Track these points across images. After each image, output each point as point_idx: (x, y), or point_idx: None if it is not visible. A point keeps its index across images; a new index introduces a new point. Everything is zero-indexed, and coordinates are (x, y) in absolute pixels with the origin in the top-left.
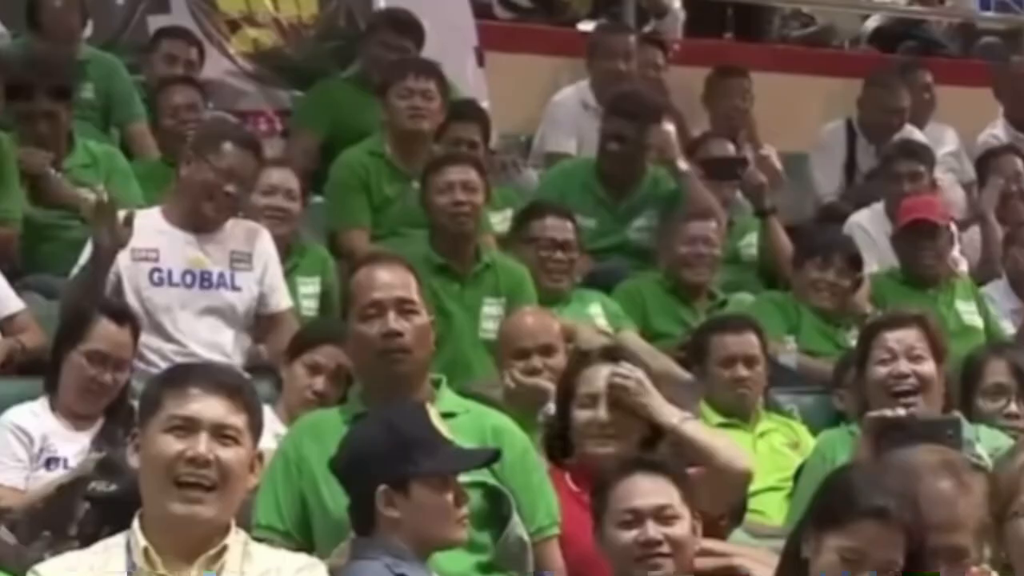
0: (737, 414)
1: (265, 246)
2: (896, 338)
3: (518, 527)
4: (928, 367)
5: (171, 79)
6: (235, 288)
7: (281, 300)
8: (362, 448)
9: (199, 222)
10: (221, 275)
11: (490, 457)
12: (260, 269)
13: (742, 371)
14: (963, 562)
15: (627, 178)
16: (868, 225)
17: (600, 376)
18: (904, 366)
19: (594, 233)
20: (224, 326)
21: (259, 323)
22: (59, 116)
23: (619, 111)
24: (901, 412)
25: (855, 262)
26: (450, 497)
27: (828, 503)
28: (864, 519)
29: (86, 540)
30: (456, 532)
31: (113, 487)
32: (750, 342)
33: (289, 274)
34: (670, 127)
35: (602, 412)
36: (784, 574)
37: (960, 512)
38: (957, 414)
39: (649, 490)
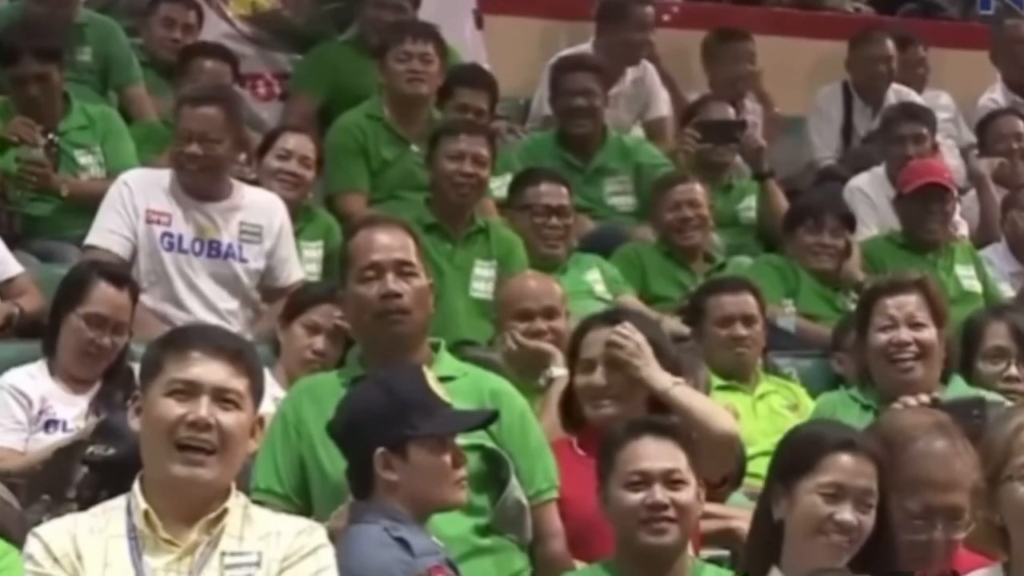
0: (736, 375)
1: (278, 219)
2: (897, 304)
3: (516, 490)
4: (929, 334)
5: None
6: (242, 260)
7: (292, 273)
8: (360, 411)
9: (198, 191)
10: (230, 246)
11: (488, 418)
12: (271, 242)
13: (740, 330)
14: (958, 522)
15: (590, 139)
16: (868, 189)
17: (599, 341)
18: (905, 334)
19: None
20: (228, 295)
21: (268, 295)
22: (50, 78)
23: (583, 67)
24: (925, 399)
25: (847, 221)
26: (447, 459)
27: (795, 453)
28: (835, 452)
29: (84, 503)
30: (454, 494)
31: (111, 451)
32: (747, 302)
33: (294, 238)
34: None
35: (598, 376)
36: (756, 540)
37: (956, 472)
38: (983, 394)
39: (658, 453)
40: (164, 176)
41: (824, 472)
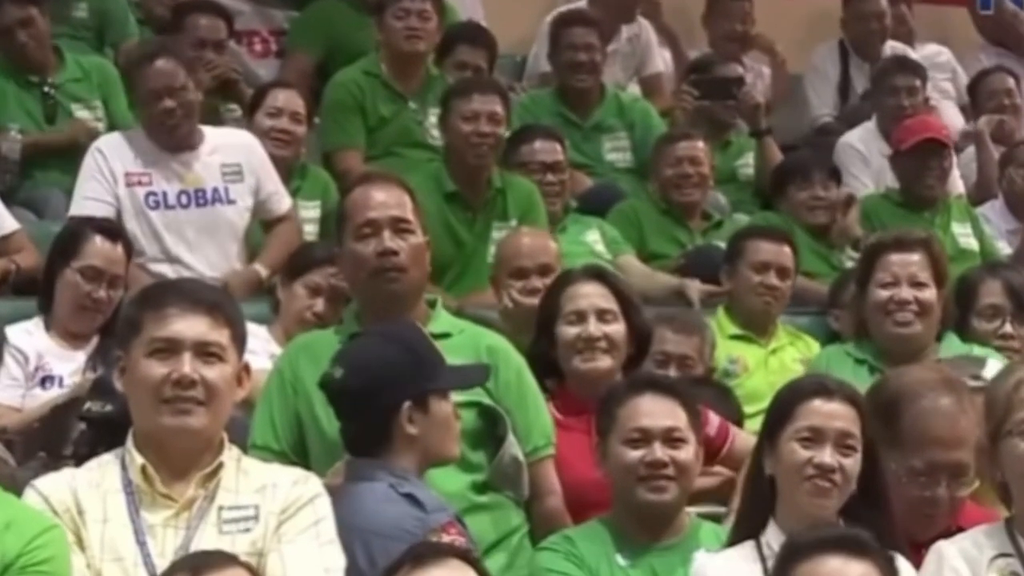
0: (754, 327)
1: (255, 154)
2: (900, 261)
3: (513, 447)
4: (929, 293)
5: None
6: (230, 202)
7: (283, 202)
8: (383, 367)
9: (174, 143)
10: (215, 190)
11: (488, 371)
12: (253, 178)
13: (773, 279)
14: (963, 479)
15: (589, 94)
16: (860, 144)
17: (587, 293)
18: (906, 292)
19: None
20: (225, 242)
21: (265, 229)
22: (34, 22)
23: (583, 21)
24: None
25: (834, 174)
26: (452, 412)
27: (776, 407)
28: (810, 398)
29: (81, 460)
30: (455, 447)
31: (108, 407)
32: (785, 253)
33: (291, 198)
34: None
35: (592, 327)
36: (751, 497)
37: (961, 428)
38: (983, 354)
39: (659, 411)
40: (136, 137)
41: (800, 418)
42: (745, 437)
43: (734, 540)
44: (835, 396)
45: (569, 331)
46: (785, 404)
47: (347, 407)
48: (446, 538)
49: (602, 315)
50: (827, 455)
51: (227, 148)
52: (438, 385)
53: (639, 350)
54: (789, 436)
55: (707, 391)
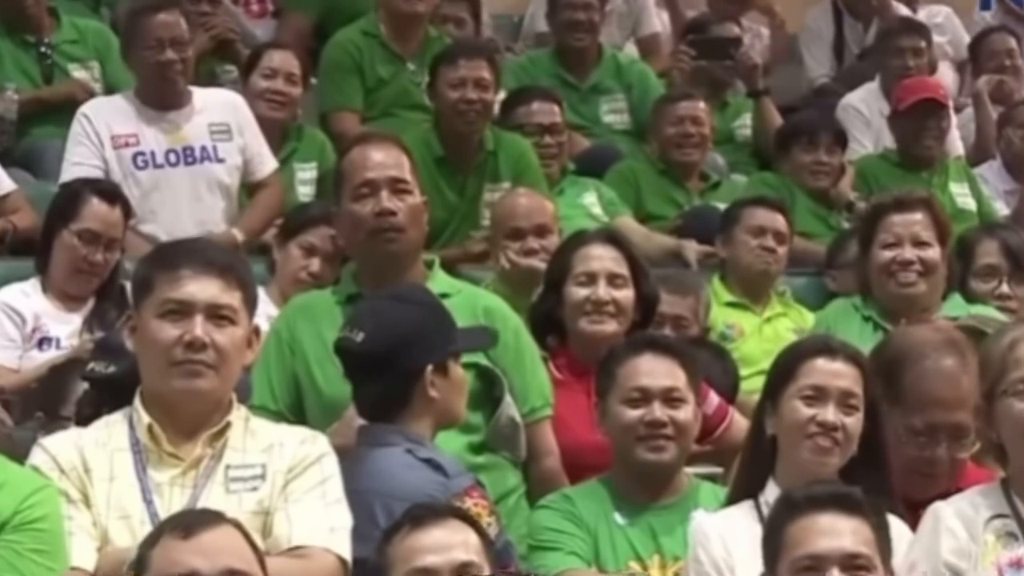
0: (750, 294)
1: (242, 113)
2: (903, 222)
3: (510, 408)
4: (933, 252)
5: None
6: (219, 160)
7: (266, 164)
8: (409, 330)
9: (163, 101)
10: (204, 148)
11: (496, 335)
12: (240, 138)
13: (771, 242)
14: (963, 441)
15: (587, 55)
16: (861, 105)
17: (599, 256)
18: (909, 252)
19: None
20: (215, 200)
21: (249, 191)
22: None
23: None
24: None
25: (841, 139)
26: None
27: (778, 366)
28: (812, 357)
29: (84, 420)
30: (465, 410)
31: (112, 368)
32: (781, 220)
33: (287, 160)
34: None
35: (602, 290)
36: (751, 457)
37: (963, 389)
38: (986, 313)
39: (658, 371)
40: (121, 99)
41: (803, 377)
42: (742, 425)
43: (733, 499)
44: (838, 355)
45: (578, 292)
46: (788, 363)
47: (367, 370)
48: (468, 502)
49: (613, 279)
50: (830, 413)
51: (215, 107)
52: (457, 347)
53: (644, 317)
54: (792, 394)
55: (704, 351)
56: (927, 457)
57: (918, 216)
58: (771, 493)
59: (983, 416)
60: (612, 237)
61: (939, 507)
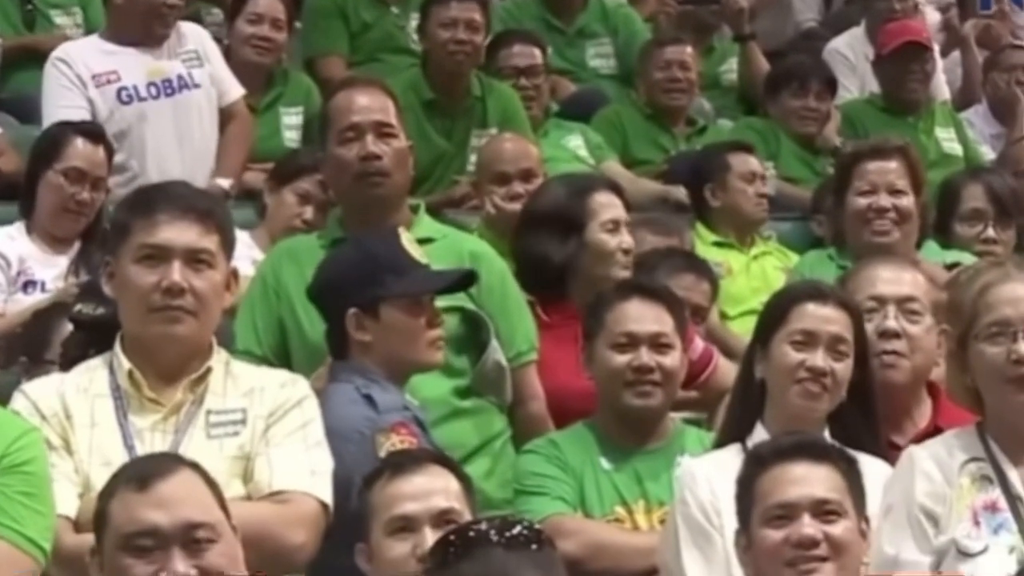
0: (738, 236)
1: (207, 41)
2: (878, 169)
3: (496, 352)
4: (908, 201)
5: None
6: (196, 85)
7: (233, 89)
8: (333, 272)
9: (149, 39)
10: (180, 77)
11: (461, 277)
12: (209, 64)
13: (762, 188)
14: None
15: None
16: (847, 50)
17: (615, 203)
18: (885, 200)
19: (549, 57)
20: (199, 127)
21: (221, 117)
22: None
23: None
24: None
25: (831, 85)
26: (421, 320)
27: (769, 310)
28: (804, 302)
29: (71, 363)
30: (429, 354)
31: (101, 310)
32: (759, 165)
33: (272, 104)
34: None
35: (626, 237)
36: (740, 400)
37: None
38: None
39: (646, 316)
40: (93, 40)
41: (793, 321)
42: (727, 369)
43: (721, 442)
44: (829, 301)
45: (609, 240)
46: (779, 307)
47: (318, 311)
48: (395, 437)
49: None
50: (819, 358)
51: (182, 37)
52: (391, 292)
53: None
54: (782, 339)
55: (680, 260)
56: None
57: (893, 164)
58: (759, 437)
59: (956, 361)
60: (615, 187)
61: (914, 451)
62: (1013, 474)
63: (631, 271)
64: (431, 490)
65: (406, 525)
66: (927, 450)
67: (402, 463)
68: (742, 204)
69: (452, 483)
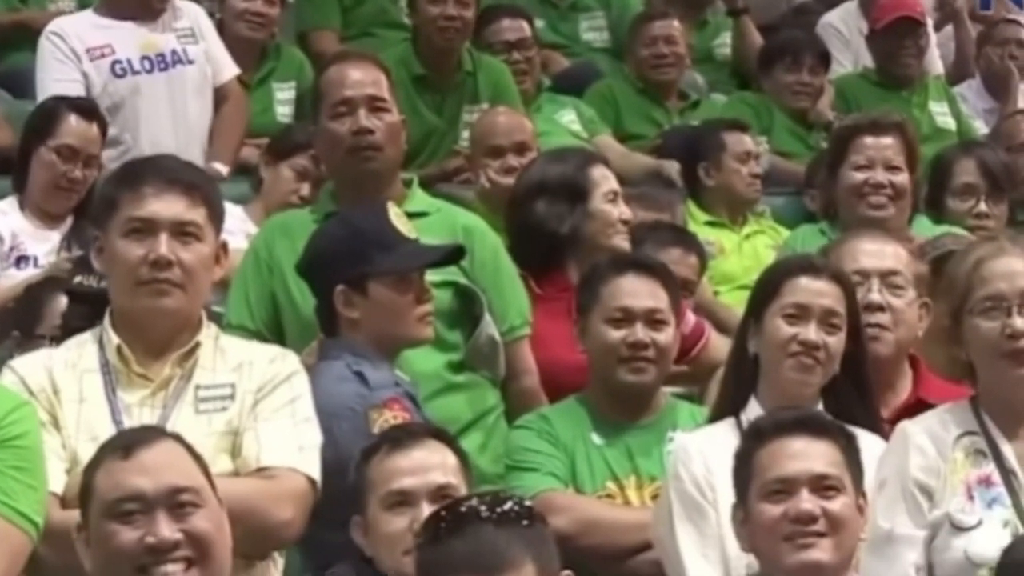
0: (730, 215)
1: (202, 19)
2: (876, 145)
3: (489, 326)
4: (903, 178)
5: None
6: (190, 61)
7: (227, 68)
8: (321, 248)
9: (144, 13)
10: (174, 52)
11: (449, 253)
12: (203, 41)
13: (756, 168)
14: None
15: None
16: (840, 24)
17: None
18: (881, 176)
19: (542, 31)
20: (192, 103)
21: (215, 96)
22: None
23: None
24: None
25: (824, 59)
26: (409, 295)
27: (762, 284)
28: (797, 275)
29: (71, 335)
30: (418, 330)
31: (104, 283)
32: (753, 144)
33: (265, 80)
34: None
35: (623, 208)
36: (733, 375)
37: None
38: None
39: (642, 291)
40: (86, 14)
41: (786, 295)
42: (718, 343)
43: (714, 417)
44: (822, 274)
45: (611, 211)
46: (771, 281)
47: (308, 287)
48: (387, 413)
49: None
50: (811, 332)
51: (177, 12)
52: (378, 268)
53: None
54: (774, 312)
55: (668, 233)
56: None
57: (890, 140)
58: (753, 411)
59: (951, 336)
60: (606, 160)
61: (907, 425)
62: (1007, 448)
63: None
64: (429, 465)
65: (404, 500)
66: (921, 424)
67: (400, 437)
68: (736, 184)
69: (450, 458)
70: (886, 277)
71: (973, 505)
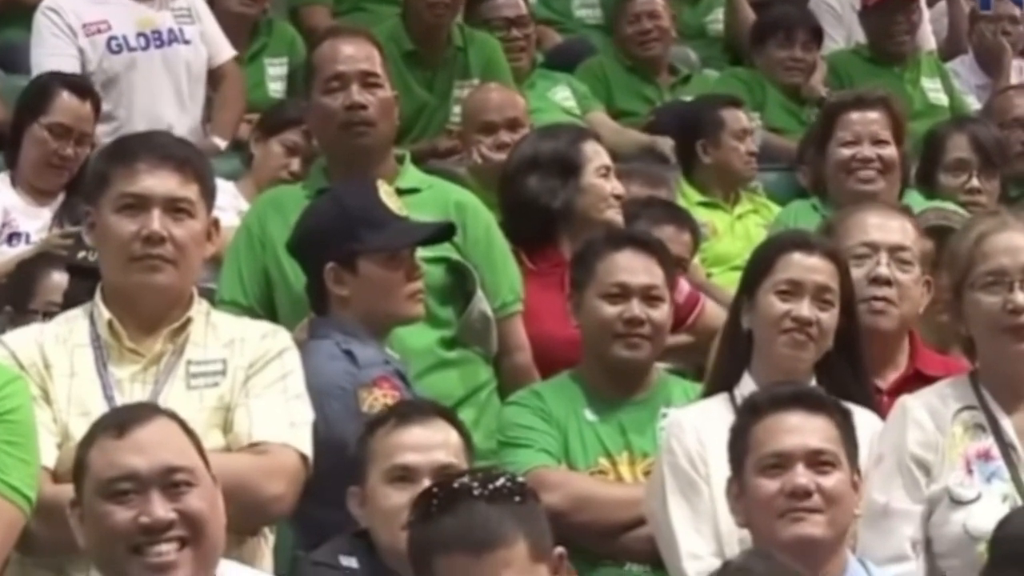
0: (723, 193)
1: None
2: (861, 120)
3: (482, 302)
4: (891, 151)
5: None
6: (186, 41)
7: (225, 50)
8: (311, 226)
9: None
10: (171, 30)
11: (436, 231)
12: (200, 23)
13: (752, 145)
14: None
15: None
16: (833, 0)
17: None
18: (868, 150)
19: (536, 7)
20: (187, 83)
21: (210, 78)
22: None
23: None
24: None
25: (817, 35)
26: (399, 273)
27: (755, 260)
28: (790, 251)
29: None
30: (408, 307)
31: None
32: (748, 121)
33: (257, 55)
34: None
35: (615, 183)
36: (727, 351)
37: None
38: (958, 210)
39: (639, 267)
40: None
41: (779, 271)
42: (714, 310)
43: (708, 392)
44: (815, 250)
45: (603, 185)
46: (765, 257)
47: (299, 264)
48: (377, 392)
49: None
50: (805, 308)
51: None
52: (368, 246)
53: None
54: (767, 289)
55: (661, 210)
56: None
57: (876, 115)
58: (747, 386)
59: (952, 310)
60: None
61: (907, 400)
62: (1006, 422)
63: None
64: (434, 443)
65: (406, 475)
66: (920, 399)
67: (408, 413)
68: (733, 161)
69: (453, 437)
70: (895, 252)
71: (972, 479)
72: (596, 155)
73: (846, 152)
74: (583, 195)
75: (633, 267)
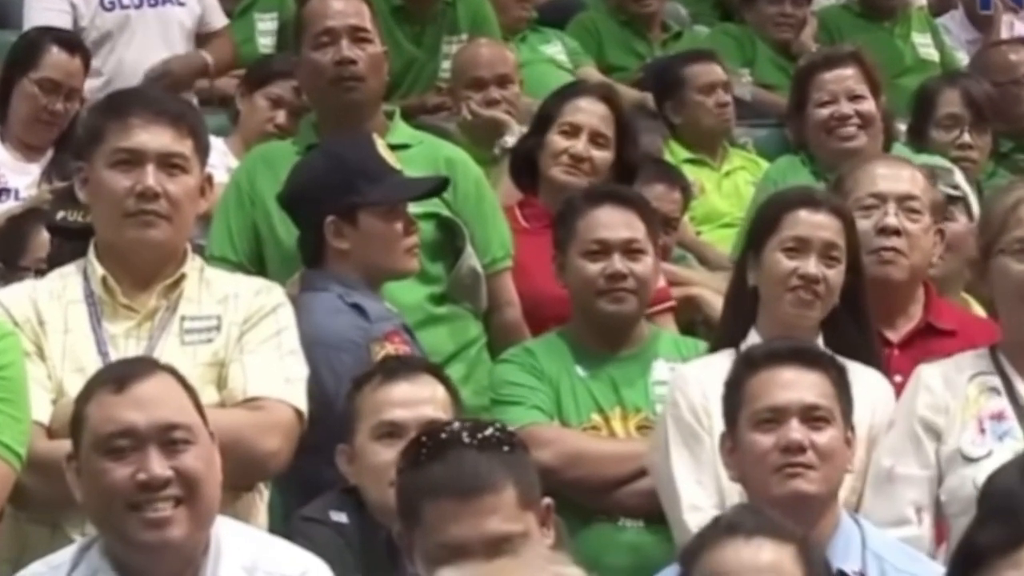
0: (707, 149)
1: None
2: (835, 78)
3: (471, 258)
4: (868, 105)
5: None
6: (180, 3)
7: (218, 17)
8: (309, 180)
9: None
10: None
11: (437, 185)
12: None
13: (723, 96)
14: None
15: None
16: None
17: (590, 110)
18: (846, 107)
19: None
20: (179, 43)
21: (199, 42)
22: None
23: None
24: None
25: None
26: (398, 226)
27: (761, 217)
28: (796, 208)
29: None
30: (406, 261)
31: (88, 217)
32: (720, 71)
33: (246, 11)
34: None
35: (581, 145)
36: (733, 307)
37: None
38: (949, 165)
39: (618, 222)
40: None
41: (786, 228)
42: (712, 300)
43: (714, 348)
44: (821, 207)
45: (559, 141)
46: (771, 214)
47: (291, 219)
48: (389, 347)
49: (595, 137)
50: (811, 265)
51: None
52: (369, 199)
53: (626, 174)
54: (774, 246)
55: (651, 168)
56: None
57: (849, 71)
58: (753, 342)
59: (978, 271)
60: (607, 94)
61: (923, 368)
62: (1021, 385)
63: (579, 177)
64: (421, 399)
65: (393, 431)
66: (937, 367)
67: (396, 369)
68: (702, 117)
69: (441, 393)
70: (903, 201)
71: (984, 438)
72: (573, 112)
73: (824, 112)
74: (541, 150)
75: (612, 222)
